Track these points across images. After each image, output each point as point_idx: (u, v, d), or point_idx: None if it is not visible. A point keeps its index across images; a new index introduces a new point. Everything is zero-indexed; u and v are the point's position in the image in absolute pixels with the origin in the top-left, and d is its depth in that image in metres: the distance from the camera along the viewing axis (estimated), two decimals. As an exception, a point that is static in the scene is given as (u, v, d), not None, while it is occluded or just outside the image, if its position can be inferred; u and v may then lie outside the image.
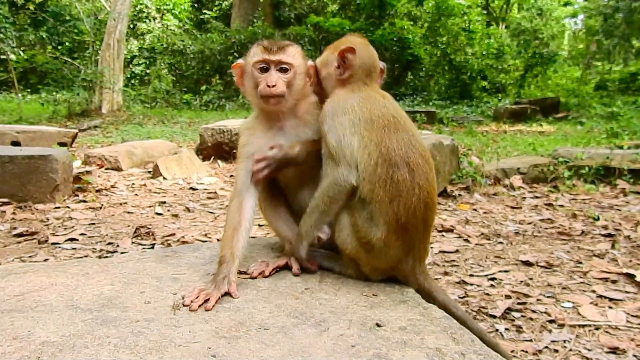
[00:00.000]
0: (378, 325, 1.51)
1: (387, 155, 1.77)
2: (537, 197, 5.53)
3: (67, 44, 18.94)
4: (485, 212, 4.87)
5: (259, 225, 4.01)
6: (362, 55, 1.95)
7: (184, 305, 1.59)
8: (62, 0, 19.96)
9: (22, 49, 14.92)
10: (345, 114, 1.84)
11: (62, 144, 7.61)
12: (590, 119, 13.33)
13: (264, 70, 1.93)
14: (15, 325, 1.38)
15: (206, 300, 1.61)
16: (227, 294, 1.67)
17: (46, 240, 3.81)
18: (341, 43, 2.00)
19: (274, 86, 1.88)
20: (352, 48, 1.92)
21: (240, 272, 1.86)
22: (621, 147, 6.68)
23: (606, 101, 16.14)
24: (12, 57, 13.76)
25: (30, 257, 3.43)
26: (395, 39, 19.23)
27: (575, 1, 31.36)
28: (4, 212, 4.54)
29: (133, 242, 3.86)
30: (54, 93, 15.34)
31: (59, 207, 4.83)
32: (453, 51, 20.30)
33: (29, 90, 17.24)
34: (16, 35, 14.11)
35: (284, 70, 1.93)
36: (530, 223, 4.51)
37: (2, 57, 14.06)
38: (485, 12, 24.82)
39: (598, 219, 4.49)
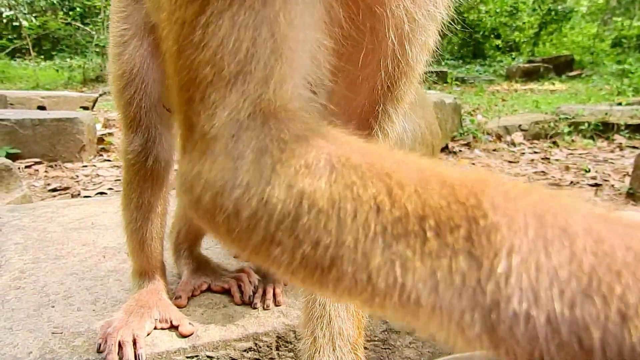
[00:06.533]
0: None
1: None
2: (535, 153, 5.78)
3: (77, 9, 19.05)
4: (483, 166, 5.16)
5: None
6: None
7: None
8: (72, -35, 19.94)
9: (34, 15, 15.07)
10: None
11: (84, 108, 7.99)
12: (602, 76, 13.27)
13: None
14: (82, 237, 1.77)
15: None
16: None
17: (79, 194, 4.22)
18: None
19: None
20: None
21: None
22: (620, 104, 6.83)
23: (621, 58, 15.93)
24: (25, 23, 13.95)
25: (67, 206, 3.84)
26: (406, -2, 19.01)
27: (595, -46, 30.26)
28: (37, 170, 4.97)
29: (157, 194, 4.25)
30: (68, 59, 15.57)
31: (86, 166, 5.24)
32: (466, 9, 19.99)
33: (42, 56, 17.52)
34: (27, 1, 14.25)
35: None
36: (524, 175, 4.79)
37: (15, 23, 14.28)
38: (499, -32, 24.19)
39: (589, 171, 4.75)
